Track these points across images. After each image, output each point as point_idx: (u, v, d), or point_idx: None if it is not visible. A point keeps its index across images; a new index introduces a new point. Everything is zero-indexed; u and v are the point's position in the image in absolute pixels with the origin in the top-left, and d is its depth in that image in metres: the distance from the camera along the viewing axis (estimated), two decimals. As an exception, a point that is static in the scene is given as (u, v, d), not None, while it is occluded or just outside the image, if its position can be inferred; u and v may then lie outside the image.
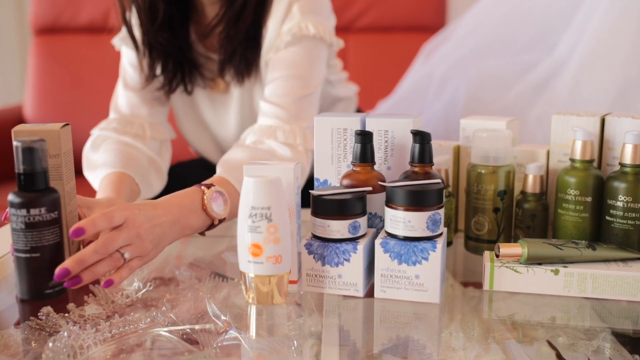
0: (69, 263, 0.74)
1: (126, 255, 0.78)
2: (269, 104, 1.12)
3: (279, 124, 1.09)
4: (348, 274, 0.80)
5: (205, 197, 0.87)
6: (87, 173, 1.14)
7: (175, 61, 1.20)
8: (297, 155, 1.06)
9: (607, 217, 0.86)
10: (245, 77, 1.20)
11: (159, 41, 1.17)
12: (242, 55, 1.17)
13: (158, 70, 1.20)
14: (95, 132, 1.19)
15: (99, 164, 1.11)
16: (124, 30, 1.22)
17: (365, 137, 0.84)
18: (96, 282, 0.81)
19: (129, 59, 1.23)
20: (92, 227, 0.75)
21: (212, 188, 0.88)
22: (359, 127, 0.88)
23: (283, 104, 1.11)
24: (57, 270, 0.73)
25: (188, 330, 0.72)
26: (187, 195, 0.88)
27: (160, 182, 1.19)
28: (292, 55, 1.14)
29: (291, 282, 0.81)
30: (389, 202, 0.79)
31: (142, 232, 0.79)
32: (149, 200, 0.92)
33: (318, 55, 1.18)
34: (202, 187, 0.89)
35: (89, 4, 2.16)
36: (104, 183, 1.05)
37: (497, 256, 0.83)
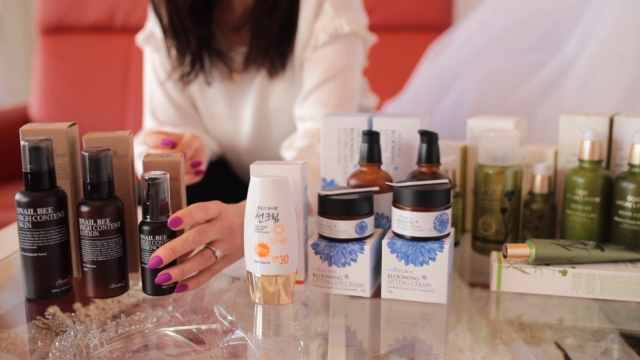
0: (160, 251, 0.72)
1: (217, 253, 0.76)
2: (313, 106, 1.15)
3: None
4: (355, 274, 0.79)
5: None
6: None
7: (196, 49, 1.21)
8: None
9: (616, 218, 0.86)
10: (280, 71, 1.21)
11: (184, 26, 1.18)
12: (277, 49, 1.19)
13: (183, 57, 1.22)
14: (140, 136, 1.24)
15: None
16: (147, 28, 1.23)
17: (372, 137, 0.84)
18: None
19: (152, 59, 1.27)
20: (189, 217, 0.74)
21: None
22: (366, 127, 0.88)
23: (327, 106, 1.15)
24: (151, 259, 0.72)
25: (194, 330, 0.72)
26: None
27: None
28: (330, 54, 1.17)
29: (298, 282, 0.81)
30: (396, 202, 0.79)
31: (235, 227, 0.78)
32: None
33: (355, 51, 1.20)
34: None
35: (95, 4, 2.16)
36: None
37: (505, 257, 0.83)
